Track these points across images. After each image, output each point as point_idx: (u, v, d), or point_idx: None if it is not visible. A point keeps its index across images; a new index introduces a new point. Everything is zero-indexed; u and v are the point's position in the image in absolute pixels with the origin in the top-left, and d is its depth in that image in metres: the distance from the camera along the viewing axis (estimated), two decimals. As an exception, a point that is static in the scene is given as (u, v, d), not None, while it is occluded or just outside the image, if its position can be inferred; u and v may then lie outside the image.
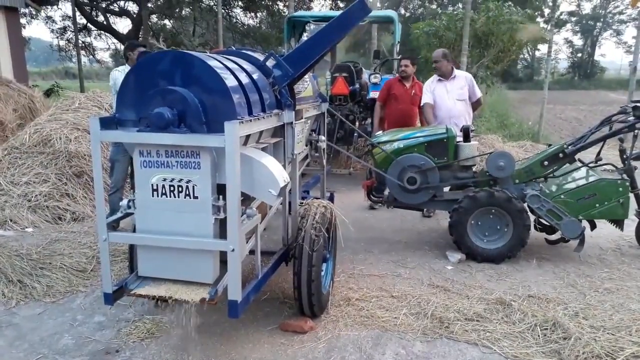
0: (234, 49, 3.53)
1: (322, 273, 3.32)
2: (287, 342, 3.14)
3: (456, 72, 5.70)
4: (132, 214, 2.74)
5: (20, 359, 2.98)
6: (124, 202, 2.71)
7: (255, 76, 2.99)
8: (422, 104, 5.86)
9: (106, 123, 2.57)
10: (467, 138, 4.70)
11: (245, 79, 2.82)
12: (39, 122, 6.53)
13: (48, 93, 14.61)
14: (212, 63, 2.62)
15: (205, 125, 2.52)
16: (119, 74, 4.83)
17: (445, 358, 2.98)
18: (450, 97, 5.63)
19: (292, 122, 3.18)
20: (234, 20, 21.99)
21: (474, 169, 4.81)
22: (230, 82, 2.60)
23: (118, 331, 3.28)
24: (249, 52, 3.36)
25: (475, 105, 5.82)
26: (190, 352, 3.00)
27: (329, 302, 3.53)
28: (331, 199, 4.80)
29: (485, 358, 2.98)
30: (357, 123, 7.78)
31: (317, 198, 3.81)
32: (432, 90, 5.71)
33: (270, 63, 3.19)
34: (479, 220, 4.41)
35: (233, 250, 2.51)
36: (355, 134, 7.41)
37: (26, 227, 5.22)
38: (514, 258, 4.42)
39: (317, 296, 3.22)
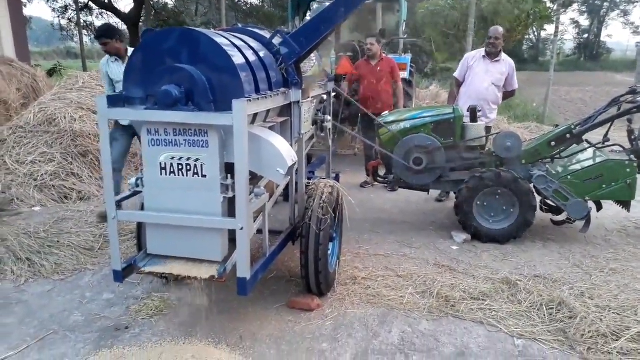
0: (240, 26, 3.49)
1: (329, 252, 3.33)
2: (294, 320, 3.17)
3: (502, 55, 5.39)
4: (141, 192, 2.74)
5: (30, 336, 3.01)
6: (132, 180, 2.71)
7: (262, 54, 2.96)
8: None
9: (113, 101, 2.56)
10: (474, 118, 4.66)
11: (252, 57, 2.79)
12: (43, 101, 6.51)
13: (50, 73, 14.51)
14: (220, 40, 2.59)
15: (213, 104, 2.51)
16: (103, 65, 4.71)
17: (451, 336, 3.01)
18: (486, 78, 5.36)
19: (299, 101, 3.16)
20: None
21: (480, 149, 4.78)
22: (238, 59, 2.58)
23: (127, 308, 3.32)
24: (256, 30, 3.32)
25: (508, 95, 5.60)
26: (198, 329, 3.03)
27: (335, 280, 3.56)
28: (336, 179, 4.80)
29: (491, 336, 3.00)
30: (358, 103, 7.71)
31: (323, 178, 3.81)
32: (469, 65, 5.46)
33: (276, 41, 3.15)
34: (485, 201, 4.41)
35: (242, 228, 2.52)
36: (360, 114, 7.35)
37: (33, 206, 5.24)
38: (519, 239, 4.42)
39: (324, 274, 3.24)
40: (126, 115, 2.66)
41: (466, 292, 3.47)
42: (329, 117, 4.04)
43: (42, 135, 5.96)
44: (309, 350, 2.86)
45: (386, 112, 5.14)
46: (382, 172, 5.08)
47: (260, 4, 22.68)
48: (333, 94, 4.59)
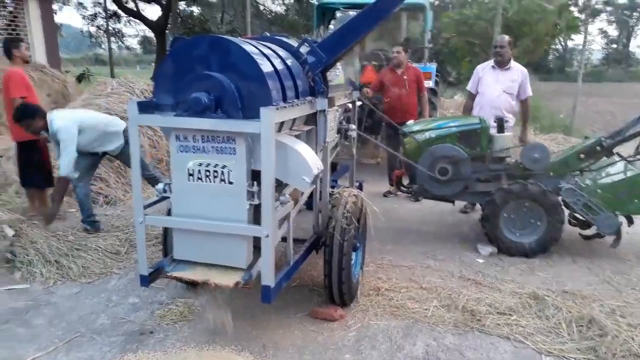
0: (268, 35, 3.52)
1: (352, 262, 3.31)
2: (317, 330, 3.15)
3: (513, 63, 5.33)
4: (168, 197, 2.77)
5: (59, 337, 3.06)
6: (160, 186, 2.74)
7: (289, 62, 2.97)
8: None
9: (144, 107, 2.60)
10: (501, 129, 4.60)
11: (280, 65, 2.81)
12: (73, 107, 6.64)
13: (80, 79, 14.88)
14: (249, 48, 2.61)
15: (241, 111, 2.52)
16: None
17: (477, 351, 2.95)
18: (497, 86, 5.27)
19: (324, 110, 3.16)
20: (262, 8, 21.97)
21: (507, 160, 4.70)
22: (266, 68, 2.59)
23: (151, 313, 3.34)
24: (283, 38, 3.34)
25: (520, 104, 5.46)
26: (222, 336, 3.03)
27: (358, 291, 3.52)
28: (360, 188, 4.77)
29: (518, 352, 2.93)
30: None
31: (346, 187, 3.80)
32: (480, 77, 5.42)
33: (304, 49, 3.17)
34: (511, 213, 4.32)
35: (267, 235, 2.52)
36: (383, 123, 7.33)
37: (70, 209, 5.36)
38: (546, 253, 4.32)
39: (347, 285, 3.22)
40: (156, 121, 2.70)
41: (492, 306, 3.40)
42: (353, 126, 4.03)
43: (71, 140, 6.07)
44: (331, 361, 2.84)
45: (411, 121, 5.11)
46: (405, 181, 5.05)
47: (285, 12, 22.89)
48: (358, 103, 4.59)
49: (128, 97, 6.92)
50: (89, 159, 4.69)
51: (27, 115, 4.31)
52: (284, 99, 2.70)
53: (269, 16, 22.05)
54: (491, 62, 5.41)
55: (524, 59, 16.88)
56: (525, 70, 5.38)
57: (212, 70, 2.54)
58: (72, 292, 3.67)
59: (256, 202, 2.60)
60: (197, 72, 2.54)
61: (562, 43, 36.93)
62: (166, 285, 3.67)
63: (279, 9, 23.14)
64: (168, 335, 3.08)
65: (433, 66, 7.46)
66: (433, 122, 4.84)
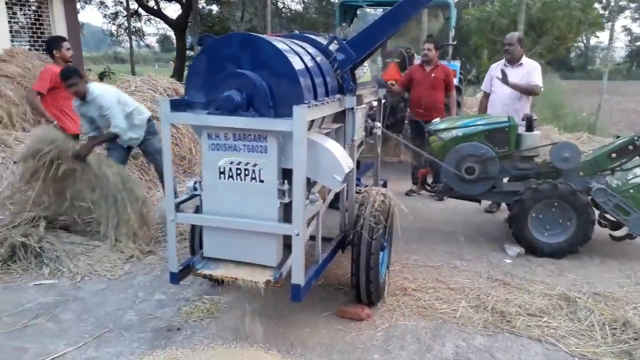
0: (297, 32, 3.50)
1: (380, 261, 3.28)
2: (344, 329, 3.13)
3: (524, 59, 5.26)
4: (198, 195, 2.77)
5: (87, 332, 3.09)
6: (190, 183, 2.74)
7: (318, 60, 2.95)
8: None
9: (176, 105, 2.60)
10: (530, 127, 4.52)
11: (310, 63, 2.79)
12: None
13: (101, 77, 15.04)
14: (280, 46, 2.60)
15: (273, 109, 2.51)
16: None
17: (507, 353, 2.90)
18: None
19: (353, 108, 3.13)
20: (281, 6, 21.97)
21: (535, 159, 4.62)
22: (298, 65, 2.58)
23: (178, 310, 3.36)
24: (312, 36, 3.32)
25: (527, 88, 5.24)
26: (249, 334, 3.03)
27: (385, 290, 3.49)
28: (384, 186, 4.74)
29: (550, 355, 2.88)
30: (408, 110, 7.63)
31: (373, 186, 3.77)
32: (492, 75, 5.38)
33: (333, 47, 3.15)
34: (540, 213, 4.25)
35: (298, 234, 2.51)
36: (405, 122, 7.28)
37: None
38: (576, 254, 4.24)
39: (375, 284, 3.19)
40: (188, 119, 2.70)
41: (522, 307, 3.34)
42: (378, 124, 4.00)
43: (95, 137, 6.13)
44: (360, 361, 2.82)
45: (437, 119, 5.05)
46: (429, 180, 5.00)
47: (304, 10, 22.86)
48: (383, 101, 4.56)
49: (152, 94, 6.98)
50: (118, 153, 4.73)
51: (77, 74, 4.30)
52: (315, 97, 2.68)
53: (288, 14, 22.04)
54: (503, 62, 5.34)
55: (546, 57, 16.65)
56: (536, 64, 5.27)
57: (244, 68, 2.53)
58: (99, 288, 3.71)
59: (286, 200, 2.59)
60: (229, 70, 2.53)
61: (585, 40, 36.29)
62: (192, 283, 3.68)
63: (298, 7, 23.12)
64: (195, 332, 3.09)
65: (457, 64, 7.38)
66: (459, 120, 4.77)
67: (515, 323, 3.16)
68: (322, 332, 3.10)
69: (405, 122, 7.29)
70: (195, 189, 2.73)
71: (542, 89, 5.24)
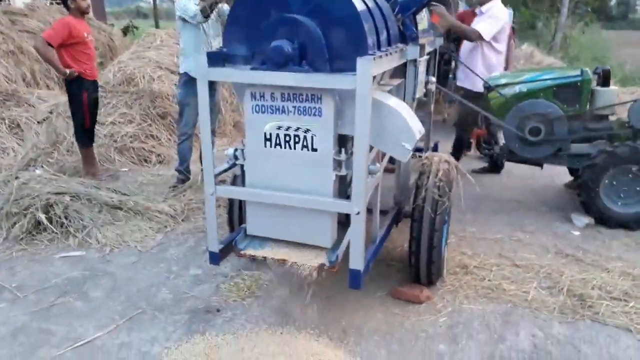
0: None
1: (443, 238, 2.88)
2: (401, 313, 2.78)
3: (493, 3, 4.63)
4: (239, 164, 2.39)
5: (118, 313, 2.82)
6: (230, 151, 2.36)
7: (378, 1, 2.48)
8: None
9: (214, 59, 2.18)
10: (606, 82, 3.96)
11: (371, 4, 2.32)
12: (122, 60, 6.34)
13: (125, 31, 14.61)
14: (337, -17, 2.12)
15: (329, 63, 2.08)
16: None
17: (593, 345, 2.52)
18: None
19: (416, 59, 2.67)
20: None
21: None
22: (360, 6, 2.11)
23: (216, 287, 3.06)
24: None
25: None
26: (296, 317, 2.71)
27: (444, 268, 3.11)
28: (435, 149, 4.31)
29: (645, 349, 2.49)
30: (452, 62, 7.01)
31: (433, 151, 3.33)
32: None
33: (392, -13, 2.66)
34: (614, 180, 3.76)
35: (358, 213, 2.12)
36: (450, 75, 6.68)
37: (122, 168, 5.16)
38: (653, 225, 3.78)
39: (437, 264, 2.82)
40: (229, 76, 2.27)
41: (603, 289, 2.94)
42: (433, 79, 3.51)
43: (121, 95, 5.80)
44: (424, 352, 2.48)
45: (496, 73, 4.51)
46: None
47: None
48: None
49: (177, 49, 6.54)
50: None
51: None
52: (378, 47, 2.23)
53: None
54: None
55: (587, 5, 15.45)
56: (498, 11, 4.65)
57: (295, 12, 2.08)
58: (129, 260, 3.43)
59: (343, 172, 2.20)
60: (277, 15, 2.09)
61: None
62: (229, 256, 3.36)
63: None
64: (236, 315, 2.78)
65: (509, 11, 6.67)
66: (523, 74, 4.24)
67: (599, 309, 2.76)
68: (377, 316, 2.76)
69: (450, 76, 6.70)
70: (236, 157, 2.34)
71: (482, 37, 4.53)
